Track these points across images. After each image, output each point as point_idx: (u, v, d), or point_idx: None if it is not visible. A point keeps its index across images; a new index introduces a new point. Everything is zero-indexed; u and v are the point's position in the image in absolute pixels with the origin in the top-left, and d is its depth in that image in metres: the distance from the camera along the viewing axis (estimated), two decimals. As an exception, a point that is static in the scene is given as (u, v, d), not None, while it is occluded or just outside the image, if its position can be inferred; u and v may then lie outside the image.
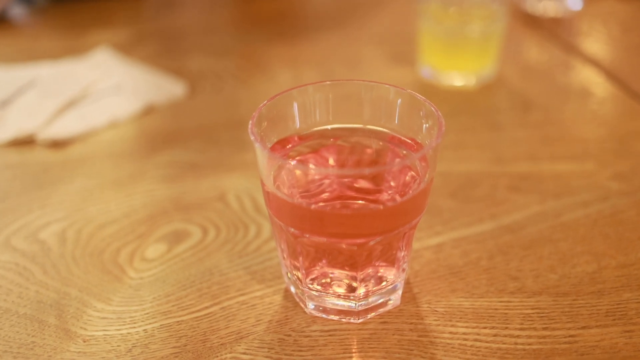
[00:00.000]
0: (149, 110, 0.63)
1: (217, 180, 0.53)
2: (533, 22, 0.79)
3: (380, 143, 0.41)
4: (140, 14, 0.82)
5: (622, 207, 0.49)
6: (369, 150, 0.41)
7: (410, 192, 0.38)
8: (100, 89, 0.65)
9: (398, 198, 0.38)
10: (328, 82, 0.40)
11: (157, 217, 0.49)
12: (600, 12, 0.84)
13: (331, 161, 0.41)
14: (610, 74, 0.68)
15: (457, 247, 0.46)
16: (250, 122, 0.36)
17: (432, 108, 0.37)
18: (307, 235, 0.36)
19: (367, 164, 0.41)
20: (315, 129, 0.41)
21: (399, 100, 0.40)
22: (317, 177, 0.39)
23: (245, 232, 0.48)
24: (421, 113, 0.39)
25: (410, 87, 0.67)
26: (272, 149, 0.39)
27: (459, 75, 0.66)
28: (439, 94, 0.66)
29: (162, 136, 0.60)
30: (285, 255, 0.40)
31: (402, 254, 0.40)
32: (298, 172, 0.39)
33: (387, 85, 0.40)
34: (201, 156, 0.57)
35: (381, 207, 0.37)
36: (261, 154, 0.35)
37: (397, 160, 0.40)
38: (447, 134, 0.59)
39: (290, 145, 0.40)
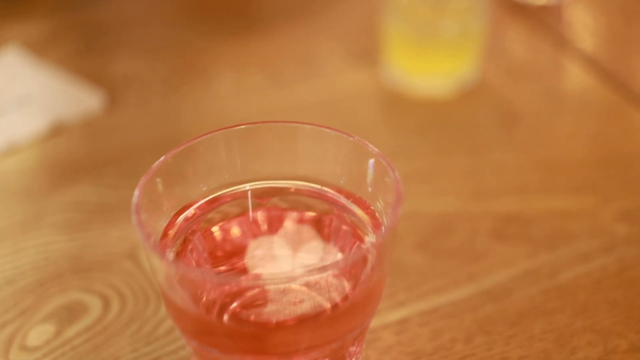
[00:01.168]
0: (56, 130, 0.52)
1: (130, 228, 0.43)
2: (520, 12, 0.68)
3: (320, 207, 0.31)
4: (61, 2, 0.70)
5: (632, 261, 0.40)
6: (305, 218, 0.31)
7: (362, 281, 0.27)
8: None
9: (348, 293, 0.28)
10: (243, 127, 0.30)
11: (48, 284, 0.39)
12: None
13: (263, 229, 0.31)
14: (611, 77, 0.58)
15: (425, 325, 0.36)
16: (135, 204, 0.26)
17: (387, 166, 0.27)
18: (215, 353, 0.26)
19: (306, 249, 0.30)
20: (231, 189, 0.31)
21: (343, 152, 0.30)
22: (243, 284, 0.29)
23: (157, 304, 0.37)
24: (370, 170, 0.28)
25: (373, 95, 0.56)
26: (169, 225, 0.29)
27: (432, 80, 0.56)
28: (407, 104, 0.55)
29: (69, 166, 0.49)
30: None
31: (354, 349, 0.30)
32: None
33: (328, 131, 0.30)
34: (114, 194, 0.46)
35: (326, 307, 0.27)
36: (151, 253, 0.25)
37: (357, 248, 0.29)
38: (416, 158, 0.49)
39: (194, 213, 0.30)
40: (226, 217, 0.31)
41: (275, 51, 0.63)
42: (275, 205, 0.31)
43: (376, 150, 0.28)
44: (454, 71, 0.55)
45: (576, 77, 0.59)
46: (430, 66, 0.55)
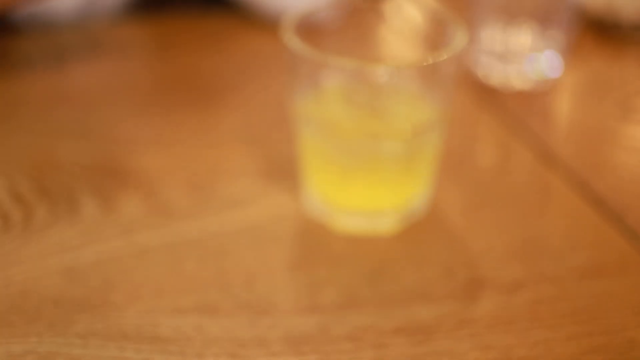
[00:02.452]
0: None
1: None
2: (489, 100, 0.53)
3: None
4: None
5: None
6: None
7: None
8: None
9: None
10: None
11: None
12: (589, 79, 0.58)
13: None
14: (603, 204, 0.42)
15: None
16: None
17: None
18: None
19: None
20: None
21: None
22: None
23: None
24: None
25: (290, 229, 0.41)
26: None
27: (364, 214, 0.40)
28: (328, 249, 0.39)
29: None
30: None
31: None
32: None
33: None
34: None
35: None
36: None
37: None
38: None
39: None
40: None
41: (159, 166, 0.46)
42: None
43: None
44: (396, 202, 0.40)
45: (566, 203, 0.43)
46: (362, 196, 0.40)
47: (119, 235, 0.40)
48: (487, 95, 0.54)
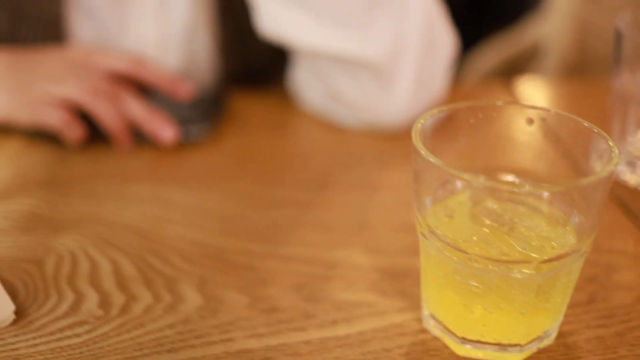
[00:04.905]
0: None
1: None
2: (634, 218, 0.48)
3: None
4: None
5: None
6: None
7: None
8: None
9: None
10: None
11: None
12: None
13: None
14: None
15: None
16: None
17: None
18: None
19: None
20: None
21: None
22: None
23: None
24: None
25: (405, 349, 0.38)
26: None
27: (488, 342, 0.36)
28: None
29: None
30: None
31: None
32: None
33: None
34: None
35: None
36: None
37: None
38: None
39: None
40: None
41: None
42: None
43: None
44: (521, 335, 0.36)
45: None
46: (483, 325, 0.36)
47: (218, 335, 0.38)
48: (629, 213, 0.49)
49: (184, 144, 0.57)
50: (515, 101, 0.40)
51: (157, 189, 0.52)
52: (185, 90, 0.59)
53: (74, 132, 0.56)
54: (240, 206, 0.50)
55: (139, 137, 0.57)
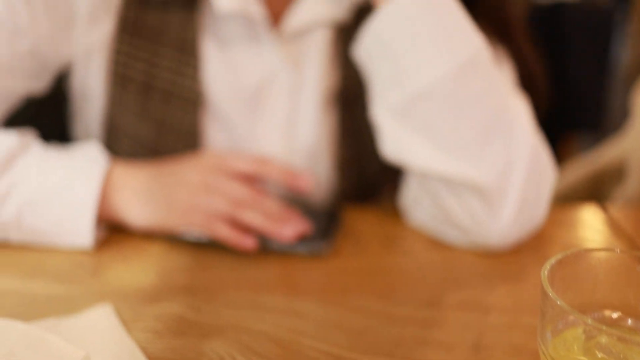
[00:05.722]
0: None
1: None
2: None
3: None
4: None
5: None
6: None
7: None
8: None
9: None
10: None
11: None
12: None
13: None
14: None
15: None
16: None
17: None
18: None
19: None
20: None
21: None
22: None
23: None
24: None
25: None
26: None
27: None
28: None
29: None
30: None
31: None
32: None
33: None
34: None
35: None
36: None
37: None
38: None
39: None
40: None
41: None
42: None
43: None
44: None
45: None
46: None
47: None
48: None
49: (308, 258, 0.64)
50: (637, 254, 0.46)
51: (289, 300, 0.58)
52: (306, 184, 0.67)
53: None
54: (364, 321, 0.56)
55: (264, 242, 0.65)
